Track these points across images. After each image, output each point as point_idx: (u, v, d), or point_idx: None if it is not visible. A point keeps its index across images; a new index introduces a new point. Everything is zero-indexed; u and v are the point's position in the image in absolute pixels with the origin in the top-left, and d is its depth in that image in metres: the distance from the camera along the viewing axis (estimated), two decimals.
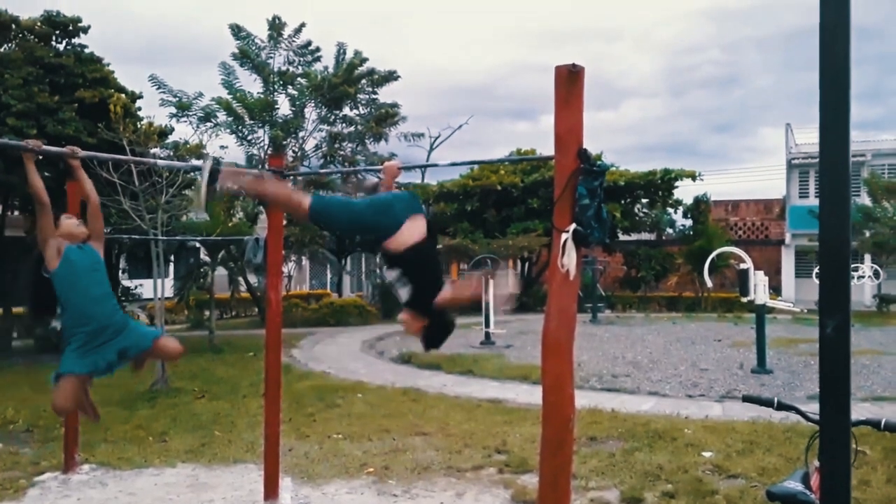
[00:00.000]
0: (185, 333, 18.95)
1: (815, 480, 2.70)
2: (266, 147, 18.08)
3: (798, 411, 2.96)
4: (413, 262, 3.47)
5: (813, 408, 2.82)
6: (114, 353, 4.15)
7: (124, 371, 4.34)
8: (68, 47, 14.28)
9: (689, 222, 28.82)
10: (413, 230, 3.50)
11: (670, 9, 71.18)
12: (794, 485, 2.72)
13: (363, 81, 19.09)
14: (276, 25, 18.20)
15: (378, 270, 26.29)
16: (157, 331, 4.53)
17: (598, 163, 2.81)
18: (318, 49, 18.85)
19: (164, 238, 10.76)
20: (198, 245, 18.61)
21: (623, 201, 26.63)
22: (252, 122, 17.96)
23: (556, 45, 64.55)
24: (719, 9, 70.73)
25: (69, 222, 4.21)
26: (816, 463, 2.62)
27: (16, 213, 15.61)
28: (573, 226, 2.74)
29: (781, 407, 3.00)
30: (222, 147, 18.56)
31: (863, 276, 22.56)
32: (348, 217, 3.56)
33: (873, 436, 5.99)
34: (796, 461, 5.80)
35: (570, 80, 2.77)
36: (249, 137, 18.21)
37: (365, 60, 18.88)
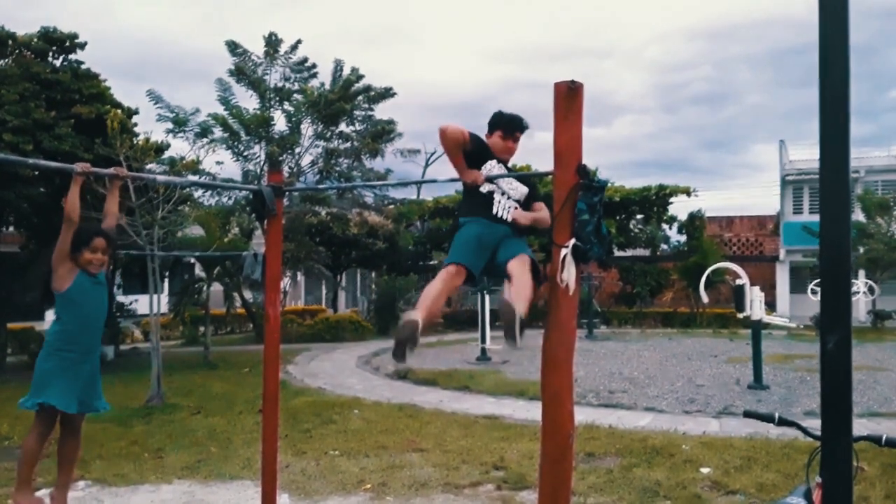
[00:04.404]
0: (180, 349, 18.88)
1: (817, 496, 2.69)
2: (262, 163, 18.11)
3: (799, 427, 2.96)
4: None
5: (811, 423, 2.83)
6: (80, 392, 4.04)
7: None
8: (65, 63, 14.30)
9: (683, 238, 28.87)
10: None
11: (661, 26, 71.84)
12: (797, 500, 2.72)
13: (359, 98, 19.16)
14: (272, 42, 18.29)
15: (373, 286, 26.24)
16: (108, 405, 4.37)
17: (597, 178, 2.81)
18: (314, 66, 18.95)
19: (161, 254, 10.76)
20: (193, 261, 18.60)
21: (618, 217, 26.68)
22: (248, 137, 18.01)
23: (547, 61, 65.05)
24: (710, 26, 71.42)
25: (95, 256, 4.01)
26: (818, 479, 2.61)
27: (10, 228, 15.56)
28: (572, 241, 2.74)
29: (782, 422, 3.00)
30: (218, 163, 18.62)
31: (857, 292, 22.58)
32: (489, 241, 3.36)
33: (872, 451, 6.00)
34: (794, 477, 5.80)
35: (569, 97, 2.78)
36: (246, 153, 18.27)
37: (361, 77, 18.97)
